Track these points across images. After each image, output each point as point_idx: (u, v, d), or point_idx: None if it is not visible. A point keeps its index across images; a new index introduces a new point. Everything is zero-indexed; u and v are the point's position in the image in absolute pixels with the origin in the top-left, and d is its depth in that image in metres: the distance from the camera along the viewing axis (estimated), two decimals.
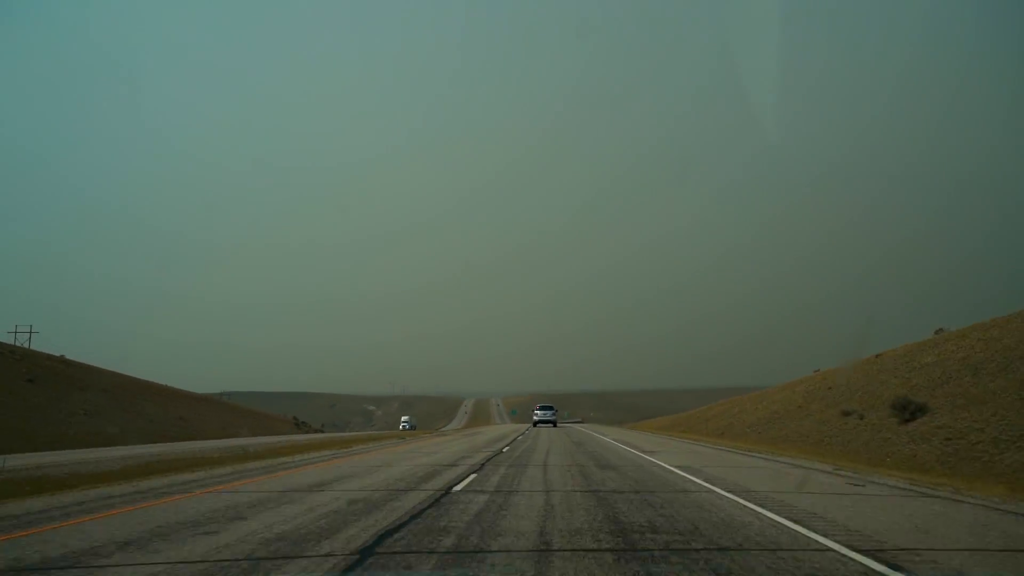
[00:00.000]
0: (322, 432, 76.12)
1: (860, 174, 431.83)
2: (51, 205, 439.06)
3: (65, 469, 17.39)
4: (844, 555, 7.00)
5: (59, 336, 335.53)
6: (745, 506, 10.40)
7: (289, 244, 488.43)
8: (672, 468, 16.75)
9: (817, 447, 24.54)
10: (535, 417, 60.51)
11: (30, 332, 61.46)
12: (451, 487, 13.12)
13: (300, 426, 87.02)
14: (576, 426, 66.42)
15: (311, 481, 14.65)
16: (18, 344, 55.01)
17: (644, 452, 23.15)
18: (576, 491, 12.38)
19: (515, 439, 34.40)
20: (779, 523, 8.89)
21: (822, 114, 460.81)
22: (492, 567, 6.61)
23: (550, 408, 60.78)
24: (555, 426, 58.65)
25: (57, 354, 52.29)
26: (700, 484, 13.39)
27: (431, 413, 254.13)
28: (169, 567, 6.63)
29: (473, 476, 15.39)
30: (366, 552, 7.18)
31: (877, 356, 34.19)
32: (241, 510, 10.29)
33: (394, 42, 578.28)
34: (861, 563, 6.66)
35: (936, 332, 32.32)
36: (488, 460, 20.18)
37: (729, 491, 12.13)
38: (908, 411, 21.22)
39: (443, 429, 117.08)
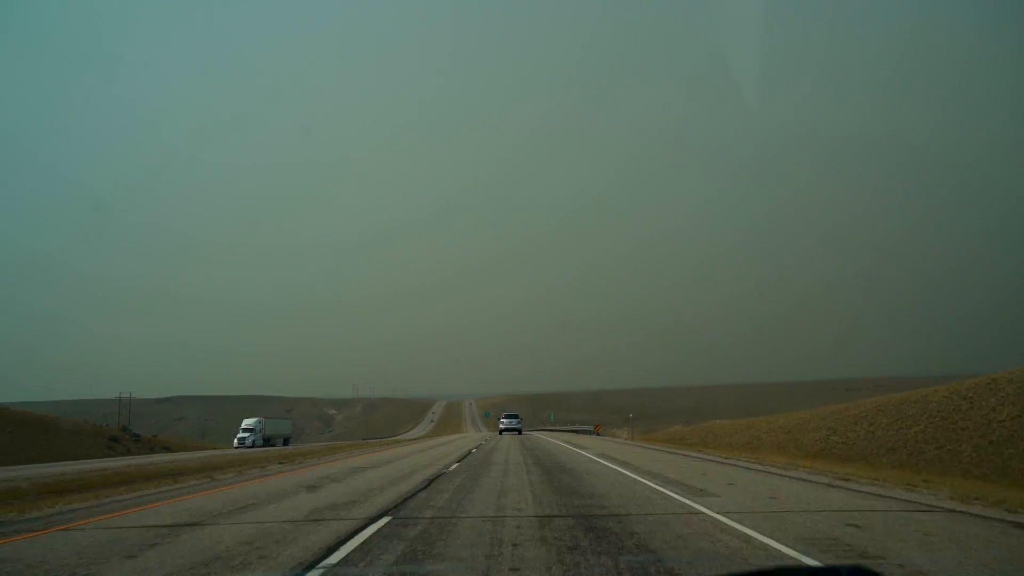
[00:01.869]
0: (150, 454, 54.06)
1: (862, 161, 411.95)
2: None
3: None
4: None
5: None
6: None
7: (258, 244, 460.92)
8: None
9: None
10: (500, 425, 58.67)
11: None
12: None
13: (114, 445, 62.56)
14: (575, 446, 30.99)
15: None
16: None
17: None
18: None
19: (433, 478, 12.82)
20: None
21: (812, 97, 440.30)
22: None
23: (515, 416, 59.73)
24: (520, 433, 55.89)
25: None
26: None
27: (396, 417, 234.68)
28: None
29: None
30: None
31: None
32: None
33: (378, 38, 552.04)
34: None
35: None
36: None
37: None
38: None
39: (393, 438, 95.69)
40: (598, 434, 53.09)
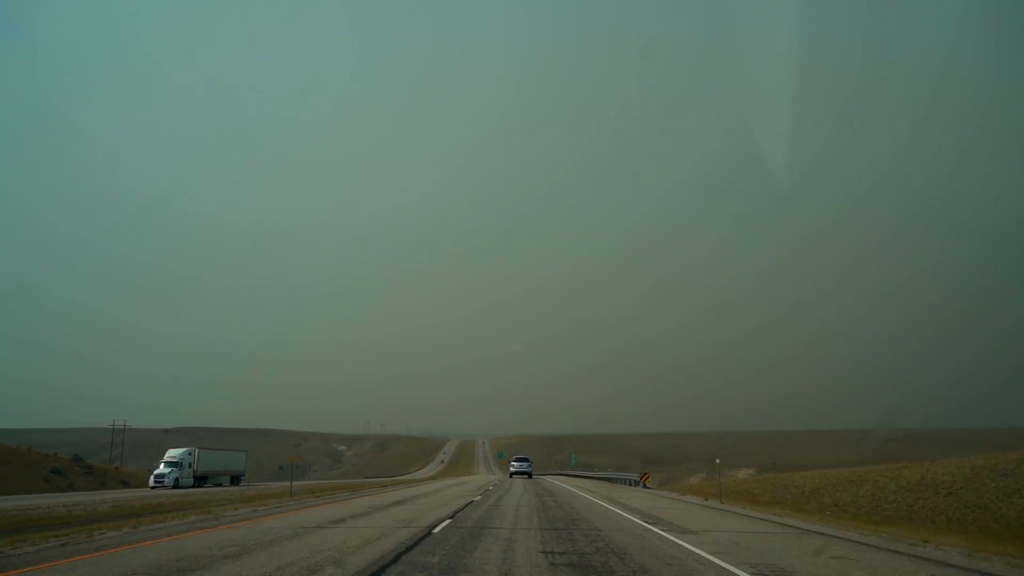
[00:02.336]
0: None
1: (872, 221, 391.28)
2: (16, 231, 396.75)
3: None
4: None
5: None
6: None
7: (274, 280, 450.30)
8: None
9: None
10: (511, 468, 59.10)
11: None
12: None
13: (54, 479, 51.53)
14: (640, 515, 17.69)
15: None
16: None
17: None
18: None
19: None
20: None
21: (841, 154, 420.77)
22: None
23: (525, 460, 60.48)
24: (530, 477, 57.26)
25: None
26: None
27: (407, 455, 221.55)
28: None
29: None
30: None
31: None
32: None
33: (389, 61, 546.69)
34: None
35: None
36: None
37: None
38: None
39: (408, 477, 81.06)
40: (645, 486, 37.67)
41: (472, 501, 22.59)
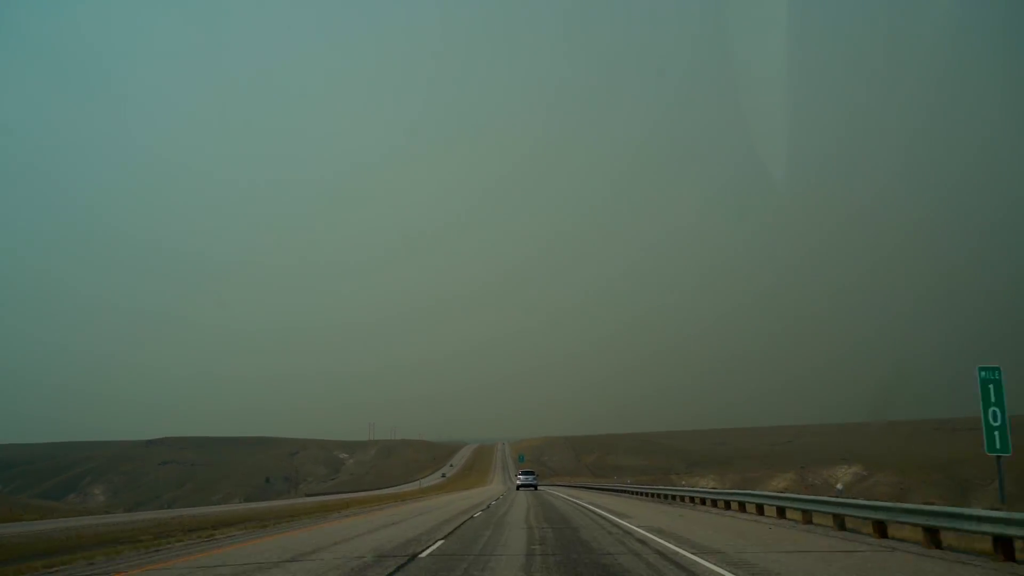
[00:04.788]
0: None
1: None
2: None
3: None
4: None
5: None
6: None
7: (271, 271, 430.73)
8: None
9: None
10: (517, 481, 60.28)
11: None
12: None
13: None
14: None
15: None
16: None
17: None
18: None
19: None
20: None
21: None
22: None
23: (531, 473, 62.51)
24: (535, 489, 56.71)
25: None
26: None
27: (414, 461, 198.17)
28: None
29: None
30: None
31: None
32: None
33: (367, 54, 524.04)
34: None
35: None
36: None
37: None
38: None
39: (394, 491, 55.42)
40: None
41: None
